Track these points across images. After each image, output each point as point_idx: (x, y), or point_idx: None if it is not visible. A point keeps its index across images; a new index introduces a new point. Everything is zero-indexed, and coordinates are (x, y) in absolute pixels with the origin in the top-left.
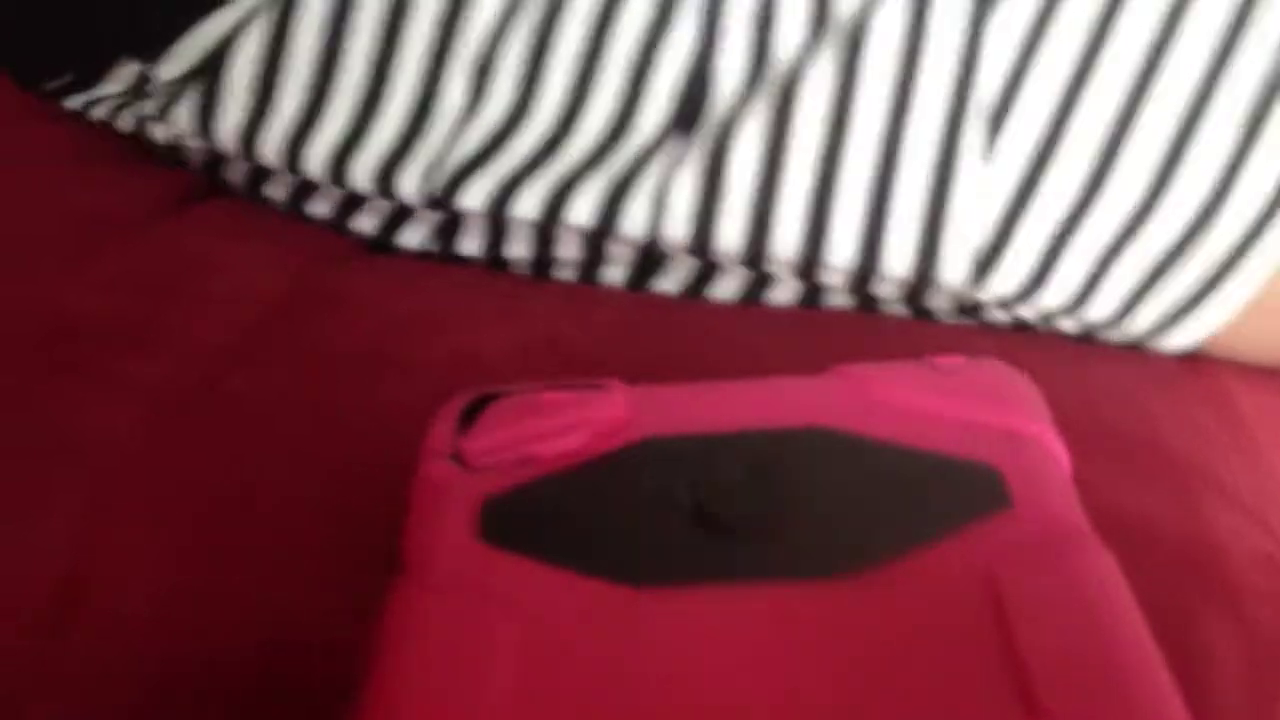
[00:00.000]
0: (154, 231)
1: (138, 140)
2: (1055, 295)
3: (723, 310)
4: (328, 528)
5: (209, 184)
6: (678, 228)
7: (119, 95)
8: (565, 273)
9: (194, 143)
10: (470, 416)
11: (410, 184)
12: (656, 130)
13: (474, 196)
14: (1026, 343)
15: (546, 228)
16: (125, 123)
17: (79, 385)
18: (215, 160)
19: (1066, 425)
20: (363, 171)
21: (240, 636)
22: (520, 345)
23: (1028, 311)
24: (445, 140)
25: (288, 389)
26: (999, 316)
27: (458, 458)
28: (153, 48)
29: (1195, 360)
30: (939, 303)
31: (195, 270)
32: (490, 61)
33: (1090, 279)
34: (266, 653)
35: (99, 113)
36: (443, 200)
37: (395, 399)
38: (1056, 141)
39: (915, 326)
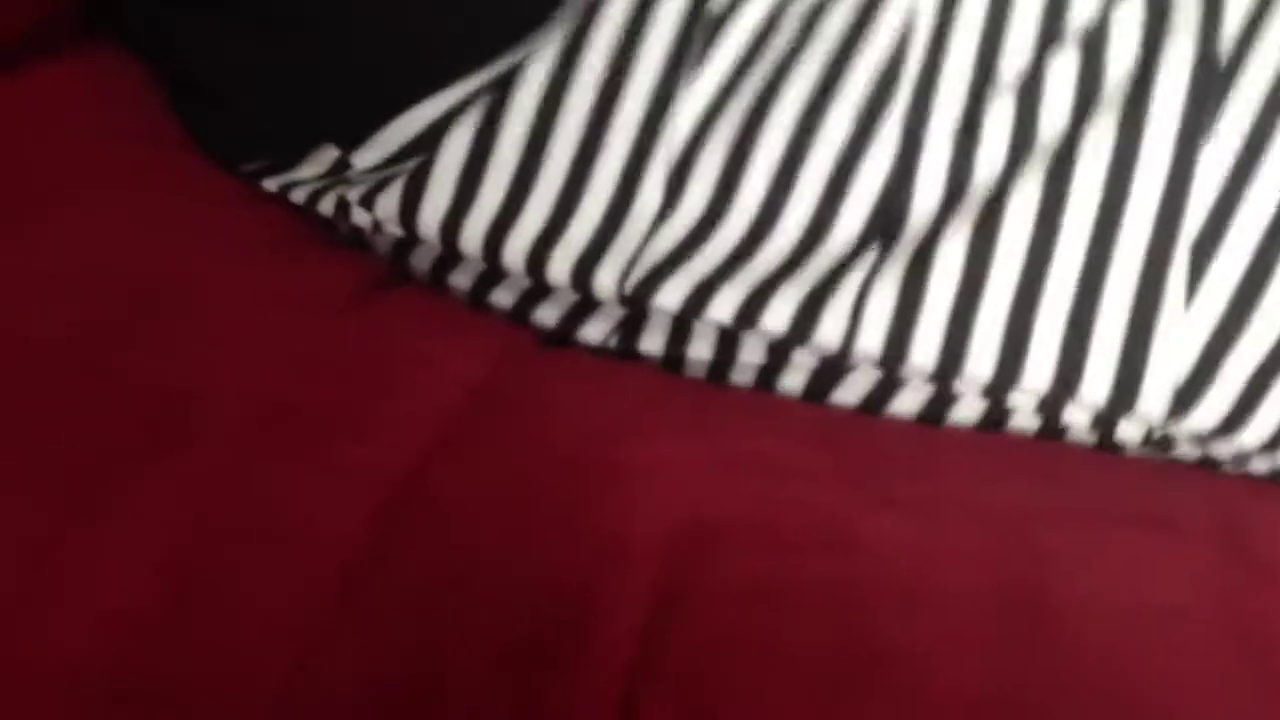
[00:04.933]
0: (354, 318)
1: (329, 223)
2: (1255, 433)
3: (905, 427)
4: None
5: (394, 270)
6: (872, 340)
7: (316, 179)
8: (743, 377)
9: (392, 229)
10: None
11: (608, 280)
12: (853, 240)
13: (671, 295)
14: (1233, 486)
15: (734, 330)
16: (326, 206)
17: (300, 471)
18: (402, 246)
19: None
20: (561, 265)
21: None
22: (719, 460)
23: (1223, 449)
24: (641, 239)
25: (495, 488)
26: (1188, 452)
27: None
28: (354, 135)
29: None
30: (1129, 434)
31: (397, 359)
32: (689, 164)
33: None
34: None
35: (298, 195)
36: (639, 298)
37: (603, 506)
38: (1263, 275)
39: (1107, 459)
